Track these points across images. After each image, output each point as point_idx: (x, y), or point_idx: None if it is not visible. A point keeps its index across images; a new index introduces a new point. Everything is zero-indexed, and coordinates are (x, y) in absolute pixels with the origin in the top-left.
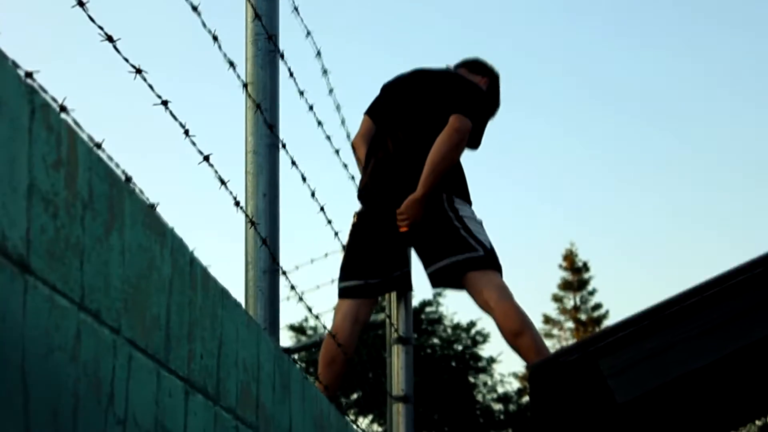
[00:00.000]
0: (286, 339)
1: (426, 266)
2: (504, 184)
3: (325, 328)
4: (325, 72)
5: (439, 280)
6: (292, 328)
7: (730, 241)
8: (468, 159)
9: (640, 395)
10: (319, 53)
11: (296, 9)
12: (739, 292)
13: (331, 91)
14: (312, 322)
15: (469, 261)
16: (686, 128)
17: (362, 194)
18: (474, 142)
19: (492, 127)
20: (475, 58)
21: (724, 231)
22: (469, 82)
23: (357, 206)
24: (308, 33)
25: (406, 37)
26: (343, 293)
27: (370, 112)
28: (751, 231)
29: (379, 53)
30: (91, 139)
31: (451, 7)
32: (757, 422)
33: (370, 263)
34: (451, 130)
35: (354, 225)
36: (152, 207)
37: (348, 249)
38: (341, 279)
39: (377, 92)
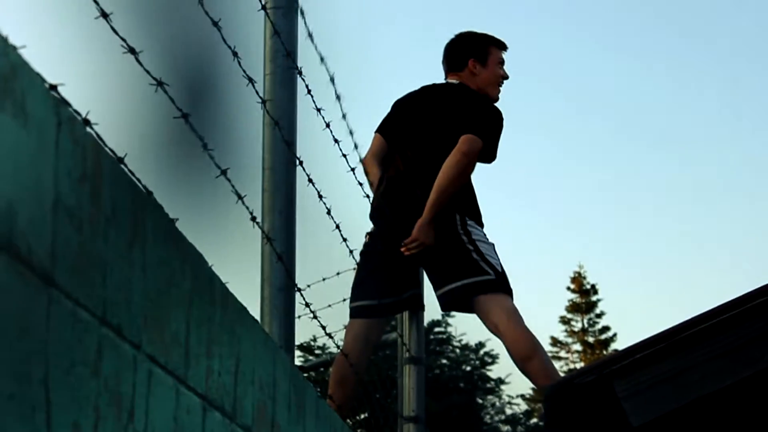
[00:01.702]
0: (295, 358)
1: (436, 289)
2: (513, 206)
3: (338, 347)
4: (338, 98)
5: (449, 303)
6: (300, 347)
7: (741, 264)
8: (478, 180)
9: (655, 418)
10: (332, 79)
11: (311, 36)
12: (754, 316)
13: (344, 116)
14: (320, 342)
15: (479, 284)
16: (698, 151)
17: (374, 214)
18: (488, 156)
19: (502, 150)
20: (445, 54)
21: (734, 255)
22: (477, 96)
23: (370, 225)
24: (322, 59)
25: (418, 54)
26: (354, 313)
27: (380, 130)
28: (764, 255)
29: (394, 71)
30: (113, 153)
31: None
32: None
33: (381, 283)
34: (459, 154)
35: (366, 245)
36: (173, 221)
37: (360, 269)
38: (353, 299)
39: (388, 109)
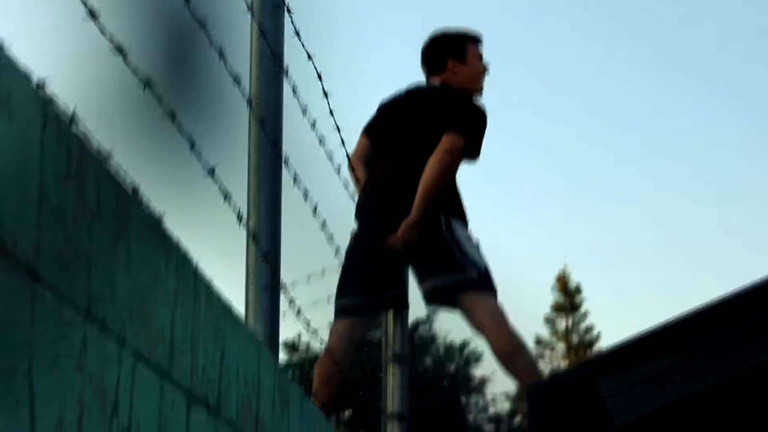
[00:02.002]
0: (280, 356)
1: (420, 283)
2: (497, 206)
3: (321, 345)
4: (326, 95)
5: (433, 298)
6: (285, 345)
7: (725, 265)
8: (464, 180)
9: (638, 417)
10: (320, 77)
11: (297, 33)
12: (737, 316)
13: (331, 113)
14: (305, 340)
15: (463, 282)
16: (680, 151)
17: (359, 213)
18: (472, 154)
19: (486, 149)
20: (423, 57)
21: (719, 256)
22: (460, 95)
23: (355, 225)
24: (309, 57)
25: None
26: (339, 311)
27: (367, 132)
28: (747, 256)
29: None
30: (99, 150)
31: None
32: None
33: (366, 282)
34: (441, 152)
35: (351, 244)
36: (158, 218)
37: (345, 267)
38: (337, 297)
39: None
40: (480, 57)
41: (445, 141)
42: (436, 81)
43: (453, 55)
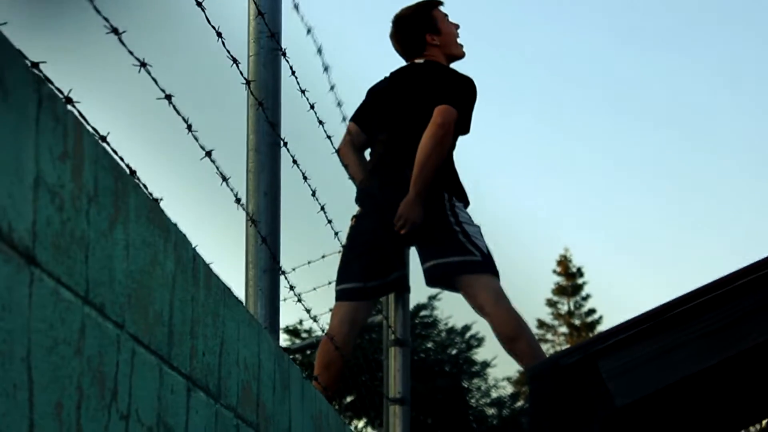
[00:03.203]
0: (281, 341)
1: (423, 262)
2: (498, 188)
3: (322, 330)
4: (326, 69)
5: (434, 278)
6: (287, 330)
7: (727, 246)
8: (464, 162)
9: (640, 398)
10: (319, 50)
11: (296, 6)
12: (738, 295)
13: (332, 87)
14: (307, 325)
15: (465, 264)
16: (681, 131)
17: (359, 197)
18: (463, 127)
19: (487, 129)
20: (399, 44)
21: (721, 237)
22: (446, 69)
23: (356, 208)
24: (309, 30)
25: None
26: (340, 296)
27: (355, 119)
28: (749, 236)
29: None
30: (96, 131)
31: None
32: (757, 425)
33: (367, 266)
34: (434, 126)
35: (352, 228)
36: (156, 202)
37: (345, 252)
38: (338, 282)
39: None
40: (446, 17)
41: (437, 114)
42: (419, 60)
43: (427, 30)
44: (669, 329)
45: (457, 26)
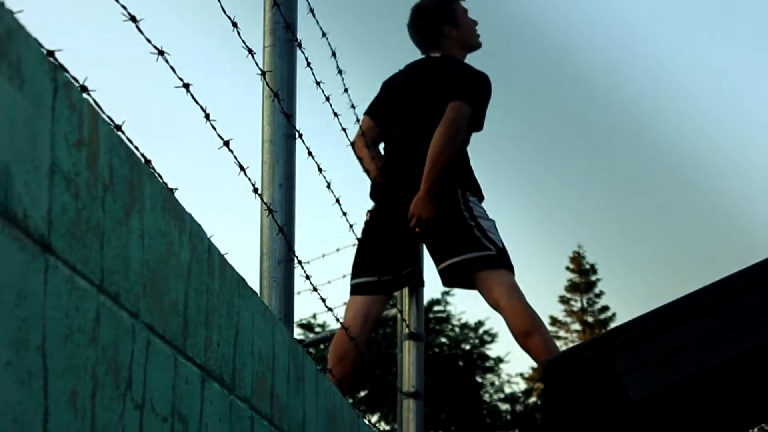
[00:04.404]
0: (295, 335)
1: (437, 263)
2: (512, 185)
3: (338, 320)
4: (340, 72)
5: (450, 277)
6: (300, 325)
7: (742, 244)
8: (478, 158)
9: (655, 393)
10: (334, 54)
11: (312, 11)
12: (755, 289)
13: (346, 90)
14: (321, 319)
15: (480, 259)
16: (693, 127)
17: (374, 192)
18: (476, 124)
19: (500, 128)
20: (417, 36)
21: (736, 234)
22: (462, 65)
23: (370, 202)
24: (324, 34)
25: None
26: (354, 290)
27: (369, 112)
28: (762, 231)
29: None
30: (111, 120)
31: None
32: None
33: (382, 260)
34: (446, 122)
35: (366, 223)
36: (171, 191)
37: (360, 246)
38: (353, 276)
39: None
40: (466, 11)
41: (450, 110)
42: (436, 54)
43: (446, 22)
44: (684, 323)
45: (475, 22)
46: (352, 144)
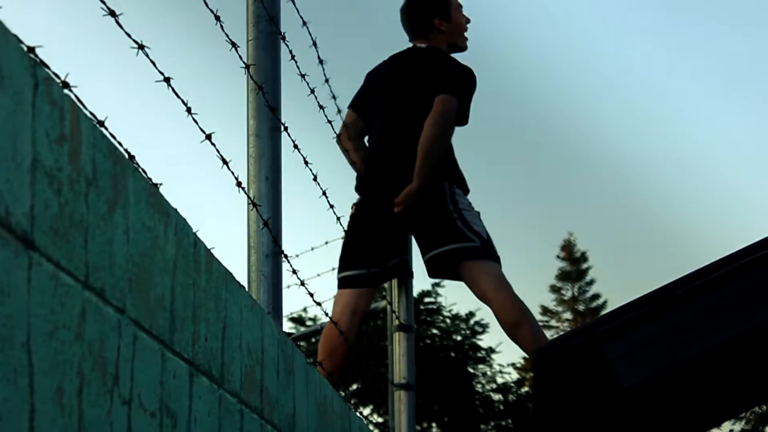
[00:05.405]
0: (285, 329)
1: (423, 254)
2: (501, 173)
3: (326, 315)
4: (321, 62)
5: (435, 268)
6: (291, 318)
7: (731, 228)
8: (465, 147)
9: (646, 379)
10: (314, 43)
11: (293, 0)
12: (744, 273)
13: (327, 80)
14: (311, 313)
15: (464, 250)
16: (685, 113)
17: (359, 185)
18: (462, 119)
19: (489, 116)
20: (407, 21)
21: (725, 219)
22: (447, 57)
23: (356, 195)
24: (304, 23)
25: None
26: (342, 283)
27: (353, 105)
28: (753, 217)
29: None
30: (93, 116)
31: None
32: (765, 406)
33: (369, 252)
34: (435, 115)
35: (352, 216)
36: (156, 186)
37: (347, 239)
38: (340, 269)
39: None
40: (460, 8)
41: (438, 103)
42: (422, 44)
43: (438, 14)
44: (674, 309)
45: (468, 20)
46: (338, 137)
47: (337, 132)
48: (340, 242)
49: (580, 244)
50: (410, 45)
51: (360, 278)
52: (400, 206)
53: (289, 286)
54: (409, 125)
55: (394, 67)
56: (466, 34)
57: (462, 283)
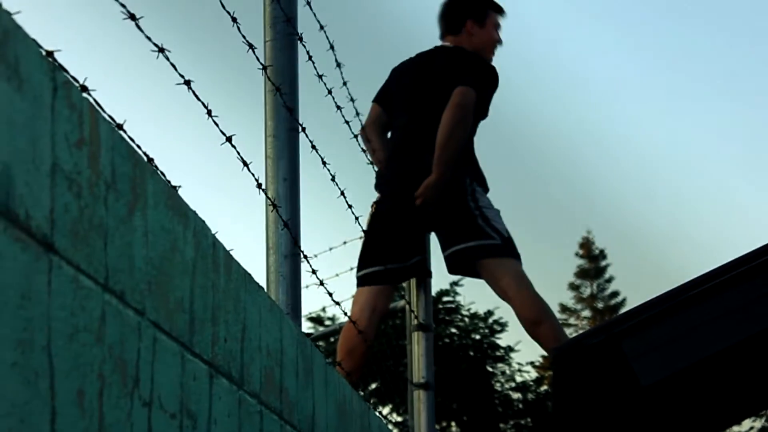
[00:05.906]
0: (304, 329)
1: (443, 250)
2: (520, 172)
3: (345, 314)
4: (338, 65)
5: (455, 264)
6: (310, 318)
7: (749, 226)
8: (486, 146)
9: (664, 378)
10: (332, 46)
11: (309, 3)
12: (763, 272)
13: (345, 83)
14: (330, 313)
15: (484, 248)
16: (700, 109)
17: (379, 182)
18: (482, 112)
19: (509, 114)
20: (443, 15)
21: (745, 217)
22: (470, 54)
23: (375, 194)
24: (321, 27)
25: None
26: (361, 281)
27: (377, 100)
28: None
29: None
30: (112, 119)
31: None
32: None
33: (388, 250)
34: (453, 107)
35: (372, 214)
36: (174, 188)
37: (366, 238)
38: (359, 267)
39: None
40: (498, 26)
41: (456, 95)
42: (449, 42)
43: (473, 17)
44: (692, 307)
45: (500, 40)
46: (362, 129)
47: (360, 128)
48: (359, 242)
49: (599, 241)
50: (438, 44)
51: (379, 275)
52: (420, 198)
53: (307, 286)
54: (431, 123)
55: (418, 65)
56: (495, 51)
57: (480, 282)
